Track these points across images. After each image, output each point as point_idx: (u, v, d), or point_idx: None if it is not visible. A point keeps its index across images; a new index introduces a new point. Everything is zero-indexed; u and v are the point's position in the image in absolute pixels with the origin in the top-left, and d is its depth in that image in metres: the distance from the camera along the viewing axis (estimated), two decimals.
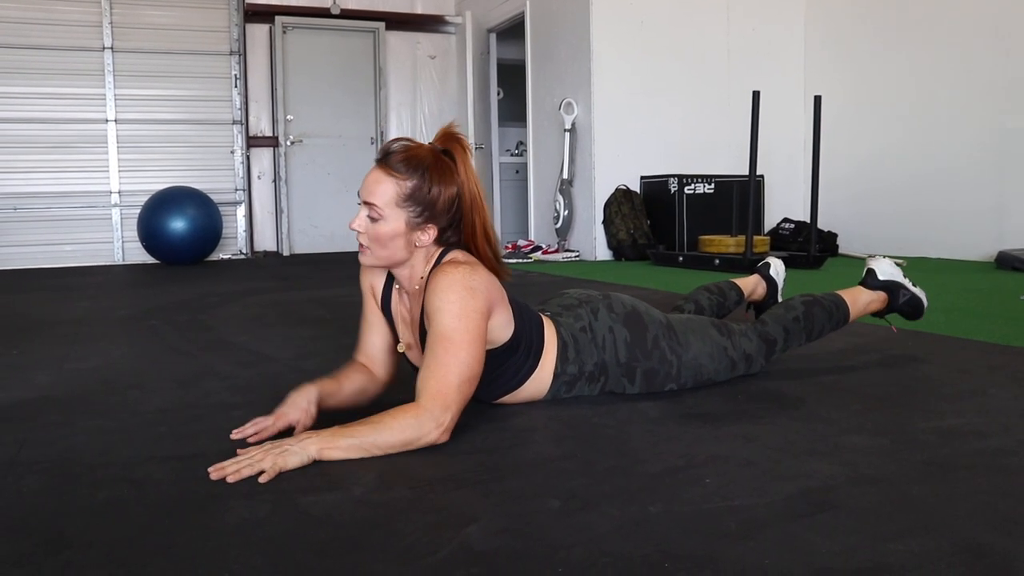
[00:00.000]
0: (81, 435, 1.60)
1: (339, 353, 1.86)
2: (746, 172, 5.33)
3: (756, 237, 5.35)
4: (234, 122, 7.26)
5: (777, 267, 2.60)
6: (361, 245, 1.59)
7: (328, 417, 1.56)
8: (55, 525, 1.14)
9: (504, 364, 1.65)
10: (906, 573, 0.95)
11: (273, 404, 1.69)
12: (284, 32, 7.35)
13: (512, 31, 7.37)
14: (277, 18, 7.30)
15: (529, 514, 1.15)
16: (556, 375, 1.73)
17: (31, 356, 2.51)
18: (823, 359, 2.22)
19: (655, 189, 6.26)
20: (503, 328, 1.60)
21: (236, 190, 7.30)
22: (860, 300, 2.14)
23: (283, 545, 1.05)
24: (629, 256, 6.10)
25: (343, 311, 3.44)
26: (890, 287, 2.18)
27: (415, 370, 1.65)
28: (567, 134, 6.34)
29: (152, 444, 1.53)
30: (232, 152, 7.28)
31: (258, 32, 7.43)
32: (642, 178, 6.37)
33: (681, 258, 5.56)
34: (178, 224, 6.15)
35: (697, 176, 6.16)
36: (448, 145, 1.60)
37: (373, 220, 1.55)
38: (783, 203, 6.65)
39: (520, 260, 6.24)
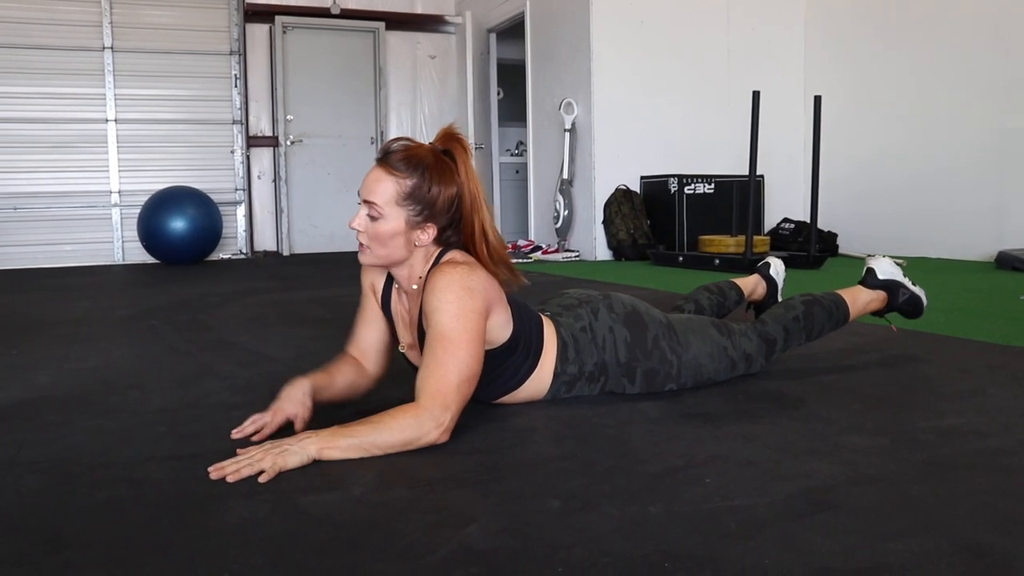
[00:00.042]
0: (81, 435, 1.60)
1: (339, 353, 1.86)
2: (746, 172, 5.33)
3: (756, 237, 5.34)
4: (234, 122, 7.26)
5: (777, 267, 2.60)
6: (361, 244, 1.60)
7: (328, 416, 1.56)
8: (54, 525, 1.14)
9: (503, 364, 1.65)
10: (906, 573, 0.94)
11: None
12: (284, 32, 7.35)
13: (512, 31, 7.37)
14: (277, 18, 7.30)
15: (529, 514, 1.14)
16: (556, 375, 1.73)
17: (31, 356, 2.51)
18: (823, 359, 2.21)
19: (655, 189, 6.26)
20: (501, 328, 1.60)
21: (236, 190, 7.30)
22: (860, 299, 2.14)
23: (283, 545, 1.05)
24: (629, 256, 6.10)
25: (343, 311, 3.44)
26: (890, 286, 2.18)
27: (415, 370, 1.65)
28: (567, 134, 6.34)
29: (152, 444, 1.53)
30: (232, 152, 7.28)
31: (258, 32, 7.43)
32: (642, 178, 6.37)
33: (681, 258, 5.56)
34: (178, 224, 6.15)
35: (697, 176, 6.16)
36: (448, 145, 1.60)
37: (373, 219, 1.56)
38: (783, 203, 6.65)
39: (520, 260, 6.24)
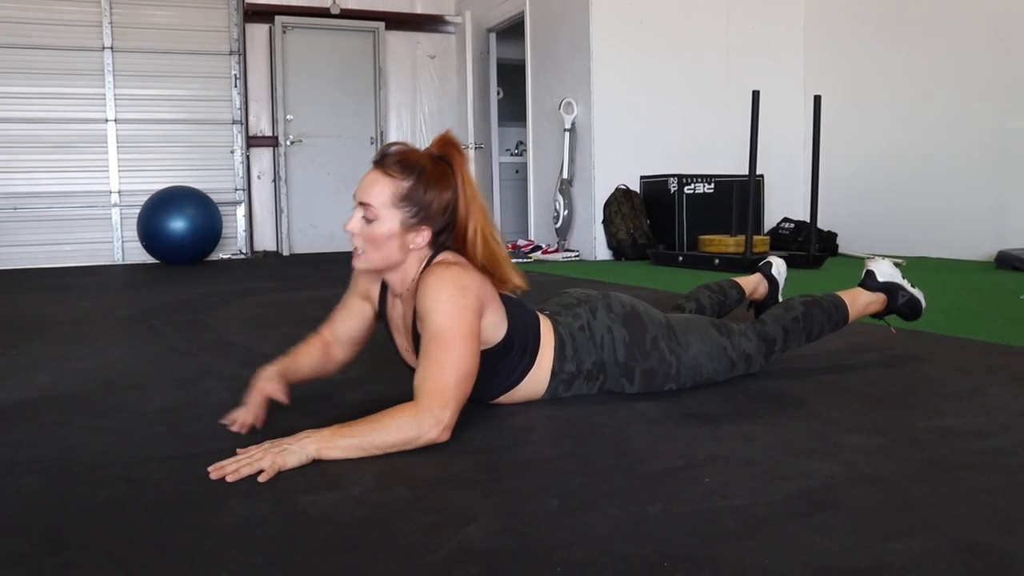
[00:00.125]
0: (80, 435, 1.60)
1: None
2: (746, 172, 5.32)
3: (756, 237, 5.34)
4: (234, 122, 7.26)
5: (779, 266, 2.61)
6: (355, 248, 1.60)
7: (327, 416, 1.55)
8: (54, 525, 1.14)
9: (499, 364, 1.65)
10: (906, 573, 0.94)
11: (274, 404, 1.68)
12: (284, 32, 7.35)
13: (512, 31, 7.37)
14: (277, 18, 7.30)
15: (528, 514, 1.15)
16: (554, 373, 1.73)
17: (31, 356, 2.51)
18: (823, 359, 2.21)
19: (655, 189, 6.26)
20: (496, 328, 1.60)
21: (236, 190, 7.30)
22: (859, 301, 2.15)
23: (282, 544, 1.05)
24: (629, 256, 6.10)
25: None
26: (889, 288, 2.18)
27: (412, 372, 1.65)
28: (567, 134, 6.34)
29: (152, 444, 1.53)
30: (232, 152, 7.28)
31: (258, 32, 7.43)
32: (642, 178, 6.37)
33: (681, 258, 5.56)
34: (178, 224, 6.15)
35: (697, 176, 6.16)
36: (445, 151, 1.61)
37: (368, 221, 1.56)
38: (783, 203, 6.65)
39: (520, 260, 6.24)
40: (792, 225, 6.31)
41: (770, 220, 6.55)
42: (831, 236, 6.31)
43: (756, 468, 1.33)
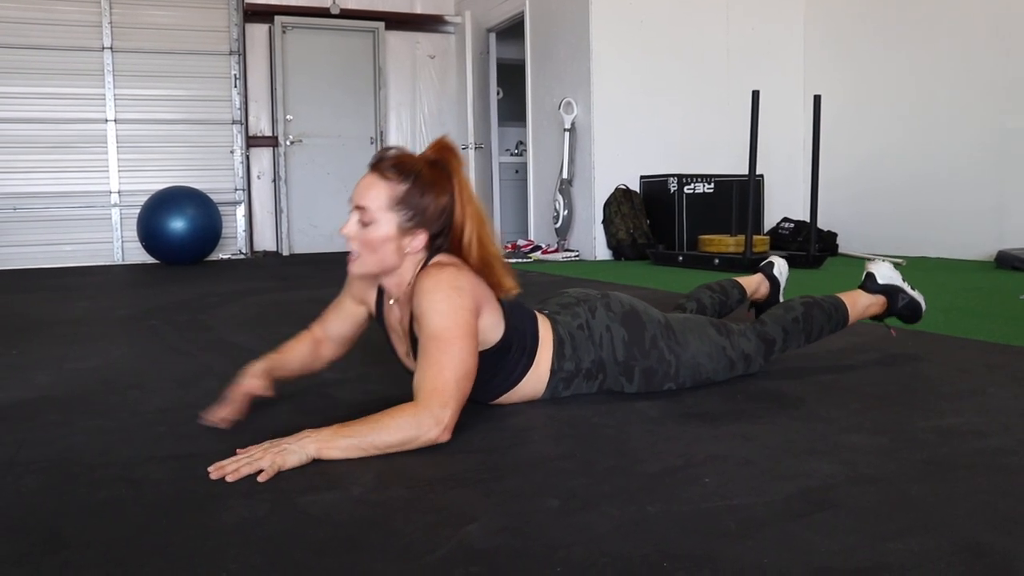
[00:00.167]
0: (80, 435, 1.60)
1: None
2: (746, 172, 5.33)
3: (756, 237, 5.34)
4: (234, 122, 7.26)
5: (780, 267, 2.61)
6: (351, 253, 1.60)
7: (326, 416, 1.55)
8: (54, 525, 1.14)
9: (498, 364, 1.65)
10: (906, 572, 0.94)
11: (273, 404, 1.68)
12: (284, 32, 7.35)
13: (512, 31, 7.37)
14: (277, 18, 7.30)
15: (528, 513, 1.14)
16: (553, 372, 1.73)
17: (31, 356, 2.51)
18: (822, 358, 2.21)
19: (655, 189, 6.26)
20: (493, 329, 1.60)
21: (236, 190, 7.29)
22: (859, 303, 2.15)
23: (282, 544, 1.05)
24: (629, 256, 6.10)
25: None
26: (889, 291, 2.18)
27: (411, 376, 1.65)
28: (567, 134, 6.34)
29: (151, 444, 1.53)
30: (232, 152, 7.28)
31: (258, 32, 7.43)
32: (642, 178, 6.37)
33: (681, 258, 5.56)
34: (178, 224, 6.15)
35: (697, 176, 6.16)
36: (442, 156, 1.61)
37: (364, 225, 1.56)
38: (783, 203, 6.65)
39: (520, 260, 6.24)
40: (792, 225, 6.31)
41: (770, 220, 6.55)
42: (831, 236, 6.31)
43: (756, 468, 1.33)
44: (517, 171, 8.07)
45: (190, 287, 4.62)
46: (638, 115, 6.29)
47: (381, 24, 7.66)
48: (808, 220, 5.54)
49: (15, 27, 6.63)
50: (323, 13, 7.48)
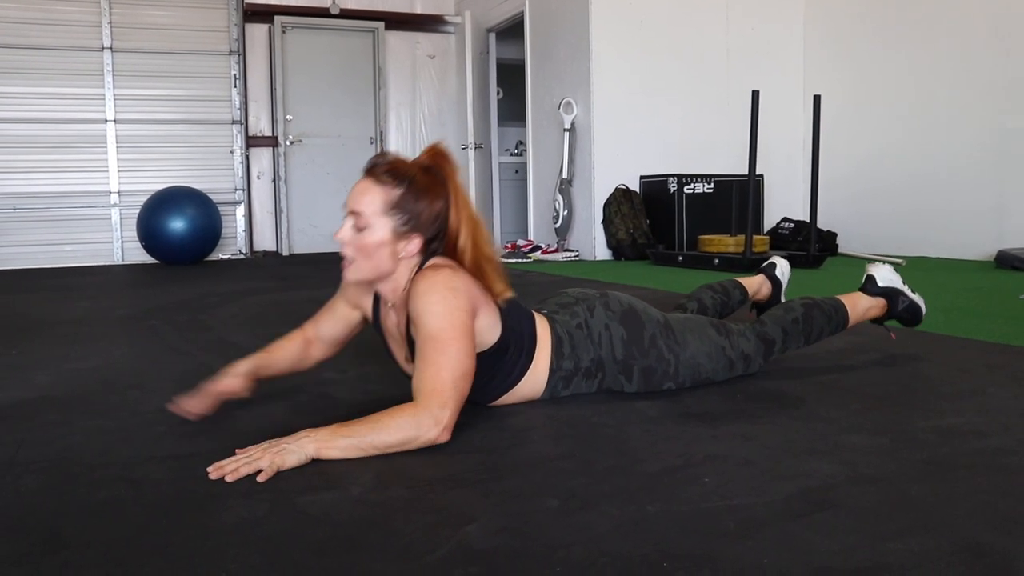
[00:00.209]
0: (80, 435, 1.60)
1: (339, 354, 1.86)
2: (745, 172, 5.32)
3: (756, 237, 5.34)
4: (233, 122, 7.26)
5: (783, 267, 2.60)
6: (345, 259, 1.60)
7: (325, 416, 1.55)
8: (53, 525, 1.13)
9: (496, 365, 1.65)
10: (906, 572, 0.94)
11: (272, 403, 1.68)
12: (283, 32, 7.35)
13: (511, 31, 7.37)
14: (276, 18, 7.30)
15: (528, 513, 1.14)
16: (552, 371, 1.73)
17: (31, 356, 2.51)
18: (822, 358, 2.21)
19: (654, 189, 6.26)
20: (490, 330, 1.60)
21: (235, 190, 7.29)
22: (859, 305, 2.15)
23: (281, 544, 1.05)
24: (629, 256, 6.10)
25: None
26: (889, 294, 2.18)
27: (410, 380, 1.65)
28: (566, 134, 6.34)
29: (151, 444, 1.53)
30: (231, 152, 7.28)
31: (257, 32, 7.43)
32: (641, 178, 6.37)
33: (680, 258, 5.56)
34: (178, 224, 6.15)
35: (696, 176, 6.16)
36: (436, 161, 1.60)
37: (359, 230, 1.56)
38: (782, 203, 6.65)
39: (519, 260, 6.24)
40: (792, 225, 6.31)
41: (770, 220, 6.55)
42: (831, 236, 6.31)
43: (755, 468, 1.33)
44: (517, 171, 8.07)
45: (190, 287, 4.62)
46: (638, 115, 6.29)
47: (381, 24, 7.66)
48: (808, 220, 5.54)
49: (15, 27, 6.63)
50: (323, 13, 7.48)
